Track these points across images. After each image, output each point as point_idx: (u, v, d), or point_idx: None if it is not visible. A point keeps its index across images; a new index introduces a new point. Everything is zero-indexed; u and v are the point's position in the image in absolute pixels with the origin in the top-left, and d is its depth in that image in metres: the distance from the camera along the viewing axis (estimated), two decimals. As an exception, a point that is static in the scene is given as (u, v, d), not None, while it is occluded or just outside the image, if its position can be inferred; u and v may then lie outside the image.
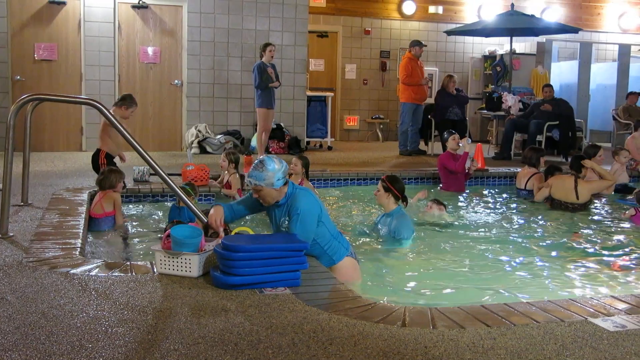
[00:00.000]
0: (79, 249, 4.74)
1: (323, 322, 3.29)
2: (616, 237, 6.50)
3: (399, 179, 6.12)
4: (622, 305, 3.61)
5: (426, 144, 12.84)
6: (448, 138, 9.03)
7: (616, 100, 15.36)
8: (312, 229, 4.33)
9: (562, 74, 16.06)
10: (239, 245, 3.83)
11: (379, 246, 5.92)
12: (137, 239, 6.17)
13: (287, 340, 3.06)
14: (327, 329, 3.19)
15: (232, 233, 4.47)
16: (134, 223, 6.77)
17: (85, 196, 6.95)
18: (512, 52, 14.00)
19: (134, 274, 4.11)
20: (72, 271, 4.10)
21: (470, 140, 9.23)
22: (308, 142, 13.10)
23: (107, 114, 5.27)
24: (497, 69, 15.44)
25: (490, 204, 8.39)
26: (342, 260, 4.58)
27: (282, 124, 12.34)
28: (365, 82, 15.64)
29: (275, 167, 4.28)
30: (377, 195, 6.05)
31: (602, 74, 16.10)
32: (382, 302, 3.80)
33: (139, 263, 4.46)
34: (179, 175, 8.18)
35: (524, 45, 16.18)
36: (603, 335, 3.15)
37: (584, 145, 12.92)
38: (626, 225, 6.95)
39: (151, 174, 8.02)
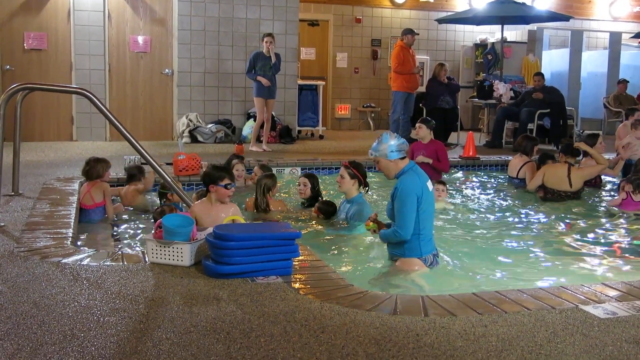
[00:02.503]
0: (70, 238, 4.73)
1: (315, 310, 3.30)
2: (607, 225, 6.52)
3: (362, 164, 6.13)
4: (612, 293, 3.63)
5: (418, 132, 12.83)
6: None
7: (607, 88, 15.39)
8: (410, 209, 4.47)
9: (553, 62, 16.07)
10: (230, 234, 3.83)
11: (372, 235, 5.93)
12: (128, 228, 6.16)
13: (279, 328, 3.06)
14: (318, 317, 3.20)
15: (225, 221, 4.47)
16: (124, 212, 6.74)
17: (76, 186, 6.92)
18: (504, 40, 14.00)
19: (125, 263, 4.10)
20: (63, 261, 4.09)
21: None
22: (299, 131, 13.07)
23: (98, 103, 5.24)
24: (489, 57, 15.43)
25: (481, 192, 8.41)
26: (409, 259, 4.61)
27: (273, 113, 12.30)
28: (356, 70, 15.61)
29: (390, 141, 4.61)
30: (341, 183, 5.98)
31: (593, 62, 16.12)
32: (373, 290, 3.80)
33: (131, 252, 4.46)
34: (171, 164, 8.15)
35: (515, 33, 16.18)
36: (594, 322, 3.17)
37: (575, 133, 12.97)
38: (617, 213, 6.96)
39: (142, 163, 7.98)
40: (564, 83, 14.95)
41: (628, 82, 14.27)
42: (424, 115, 12.37)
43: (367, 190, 6.14)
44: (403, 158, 4.63)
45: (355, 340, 2.94)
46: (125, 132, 5.13)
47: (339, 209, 6.14)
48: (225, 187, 4.82)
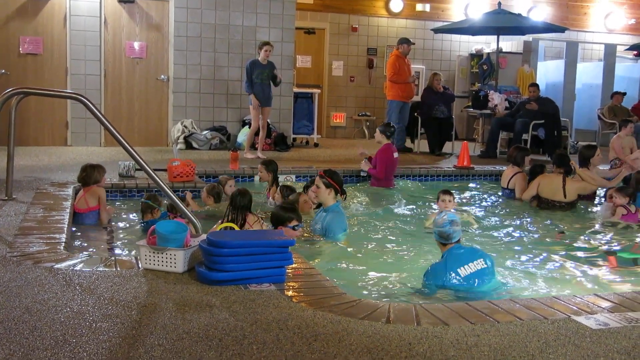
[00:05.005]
0: (63, 243, 4.72)
1: (308, 318, 3.30)
2: (600, 236, 6.54)
3: (337, 173, 6.13)
4: (605, 304, 3.64)
5: (412, 141, 12.86)
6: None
7: (601, 99, 15.45)
8: None
9: (548, 73, 16.14)
10: (224, 241, 3.83)
11: (367, 243, 5.93)
12: (122, 234, 6.15)
13: (272, 336, 3.06)
14: (311, 325, 3.20)
15: (218, 229, 4.47)
16: (119, 218, 6.73)
17: (70, 191, 6.91)
18: (499, 51, 14.05)
19: (118, 269, 4.09)
20: (56, 266, 4.08)
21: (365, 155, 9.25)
22: (294, 139, 13.08)
23: (92, 108, 5.24)
24: (484, 67, 15.47)
25: (474, 202, 8.42)
26: None
27: (268, 121, 12.30)
28: (352, 79, 15.64)
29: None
30: (317, 192, 5.96)
31: (588, 73, 16.19)
32: (366, 299, 3.80)
33: (124, 258, 4.45)
34: (165, 170, 8.14)
35: (510, 44, 16.24)
36: (586, 333, 3.17)
37: (569, 144, 13.02)
38: (610, 224, 6.97)
39: (137, 169, 7.98)
40: (558, 94, 15.01)
41: (625, 94, 14.31)
42: (419, 125, 12.44)
43: (345, 198, 6.14)
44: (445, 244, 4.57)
45: (347, 348, 2.94)
46: (120, 137, 5.12)
47: (315, 218, 6.09)
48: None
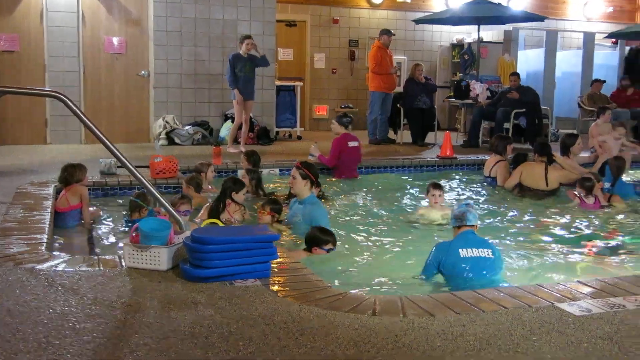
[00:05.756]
0: (44, 244, 4.67)
1: (294, 313, 3.29)
2: (581, 223, 6.57)
3: (313, 165, 6.14)
4: (587, 290, 3.66)
5: (395, 132, 12.87)
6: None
7: (581, 87, 15.55)
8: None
9: (528, 61, 16.20)
10: (208, 238, 3.80)
11: (349, 235, 5.93)
12: (105, 233, 6.10)
13: (258, 332, 3.05)
14: (297, 320, 3.19)
15: (202, 225, 4.45)
16: (101, 216, 6.68)
17: (50, 190, 6.84)
18: (480, 41, 14.09)
19: (101, 268, 4.06)
20: (37, 267, 4.04)
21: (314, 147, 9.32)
22: (277, 132, 13.05)
23: (72, 106, 5.18)
24: (465, 57, 15.52)
25: (457, 191, 8.45)
26: None
27: (251, 115, 12.26)
28: (334, 71, 15.62)
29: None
30: (293, 184, 5.95)
31: (568, 61, 16.27)
32: (352, 291, 3.79)
33: (107, 257, 4.41)
34: (147, 167, 8.09)
35: (491, 33, 16.27)
36: (569, 320, 3.19)
37: (550, 132, 13.09)
38: (591, 211, 7.02)
39: (118, 166, 7.92)
40: (539, 82, 15.08)
41: (604, 82, 14.41)
42: (402, 116, 12.46)
43: (320, 191, 6.13)
44: (459, 226, 4.64)
45: (334, 342, 2.94)
46: (100, 135, 5.06)
47: (290, 211, 6.09)
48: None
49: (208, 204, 6.39)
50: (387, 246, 5.67)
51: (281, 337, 2.99)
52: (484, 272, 4.46)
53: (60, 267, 4.04)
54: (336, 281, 4.44)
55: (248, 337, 2.98)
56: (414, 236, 6.06)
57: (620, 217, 6.87)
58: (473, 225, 4.62)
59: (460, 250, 4.47)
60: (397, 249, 5.60)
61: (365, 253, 5.39)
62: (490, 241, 4.81)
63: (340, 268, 4.90)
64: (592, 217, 6.77)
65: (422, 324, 3.13)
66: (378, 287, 4.49)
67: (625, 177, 8.22)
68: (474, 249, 4.49)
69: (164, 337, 2.98)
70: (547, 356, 2.79)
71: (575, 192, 7.22)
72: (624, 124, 10.02)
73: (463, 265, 4.43)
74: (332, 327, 3.11)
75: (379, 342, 2.94)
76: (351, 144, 8.96)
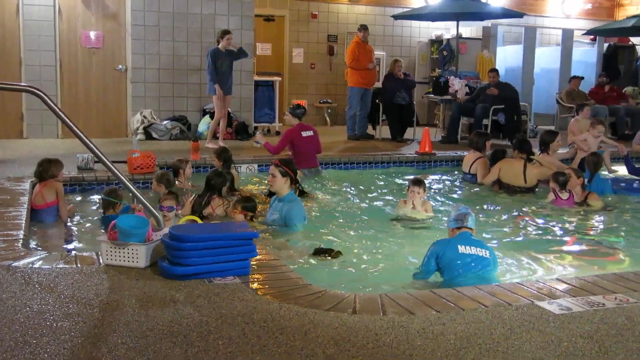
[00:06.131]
0: (21, 240, 4.61)
1: (273, 311, 3.27)
2: (560, 220, 6.61)
3: (292, 161, 6.13)
4: (567, 288, 3.68)
5: (374, 128, 12.88)
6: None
7: (559, 84, 15.65)
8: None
9: (507, 58, 16.28)
10: (187, 235, 3.77)
11: (329, 230, 5.92)
12: (82, 229, 6.04)
13: (238, 330, 3.03)
14: (277, 319, 3.17)
15: (180, 222, 4.40)
16: (79, 212, 6.61)
17: (27, 185, 6.75)
18: (459, 37, 14.13)
19: (79, 265, 4.01)
20: (14, 264, 3.98)
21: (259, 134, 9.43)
22: (256, 127, 12.97)
23: (48, 101, 5.10)
24: (444, 53, 15.55)
25: (436, 188, 8.46)
26: None
27: (229, 110, 12.20)
28: (312, 66, 15.59)
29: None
30: (272, 182, 5.92)
31: (546, 58, 16.37)
32: (332, 290, 3.77)
33: (85, 254, 4.35)
34: (125, 162, 8.01)
35: (470, 29, 16.33)
36: (549, 318, 3.20)
37: (529, 128, 13.17)
38: (573, 210, 7.04)
39: (96, 162, 7.84)
40: (517, 79, 15.16)
41: (583, 78, 14.52)
42: (381, 112, 12.46)
43: (298, 187, 6.10)
44: (459, 228, 4.65)
45: (314, 341, 2.92)
46: (77, 130, 4.98)
47: (270, 208, 6.06)
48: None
49: (192, 197, 6.37)
50: (367, 243, 5.66)
51: (261, 335, 2.97)
52: (480, 270, 4.47)
53: (37, 265, 3.99)
54: (316, 278, 4.42)
55: (227, 336, 2.96)
56: (394, 233, 6.05)
57: (597, 215, 6.92)
58: (471, 229, 4.67)
59: (459, 246, 4.50)
60: (378, 245, 5.59)
61: (345, 250, 5.36)
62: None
63: (320, 265, 4.88)
64: (571, 215, 6.81)
65: (403, 323, 3.13)
66: (358, 284, 4.49)
67: (604, 174, 8.29)
68: (472, 247, 4.53)
69: (142, 336, 2.95)
70: (527, 355, 2.79)
71: (550, 186, 7.27)
72: (603, 122, 10.08)
73: (459, 262, 4.45)
74: (312, 325, 3.09)
75: (359, 341, 2.93)
76: (305, 134, 8.91)
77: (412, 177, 7.09)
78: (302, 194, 6.87)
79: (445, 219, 6.56)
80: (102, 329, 3.03)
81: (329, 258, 4.98)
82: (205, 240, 3.79)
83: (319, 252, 5.06)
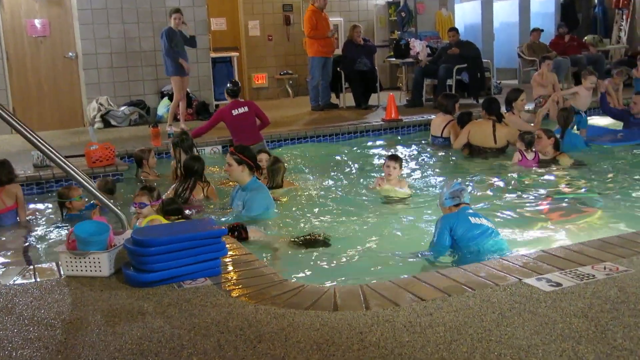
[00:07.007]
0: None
1: (249, 315, 3.06)
2: (535, 184, 6.46)
3: (248, 147, 5.88)
4: (553, 260, 3.52)
5: (337, 97, 12.63)
6: None
7: (519, 37, 15.52)
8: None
9: (465, 15, 16.09)
10: (150, 239, 3.53)
11: (301, 213, 5.72)
12: (42, 233, 5.75)
13: (213, 342, 2.81)
14: (254, 324, 2.97)
15: (143, 223, 4.16)
16: (38, 214, 6.31)
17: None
18: (416, -4, 13.90)
19: (38, 279, 3.75)
20: (-33, 284, 3.71)
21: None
22: (217, 105, 12.60)
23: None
24: (402, 14, 15.25)
25: (408, 157, 8.28)
26: None
27: (188, 90, 11.84)
28: (270, 38, 15.21)
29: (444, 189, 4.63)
30: (229, 171, 5.63)
31: (504, 12, 16.21)
32: (309, 284, 3.56)
33: (44, 265, 4.09)
34: (83, 156, 7.69)
35: (425, -13, 16.07)
36: (540, 298, 3.04)
37: (492, 84, 13.04)
38: (543, 170, 6.91)
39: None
40: (477, 35, 15.00)
41: (542, 30, 14.39)
42: (343, 80, 12.21)
43: (262, 173, 5.88)
44: (457, 205, 4.52)
45: (295, 347, 2.73)
46: (18, 126, 4.63)
47: (233, 198, 5.78)
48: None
49: (174, 185, 6.19)
50: (343, 224, 5.46)
51: (238, 346, 2.77)
52: (493, 241, 4.40)
53: (-8, 282, 3.73)
54: (295, 270, 4.24)
55: (202, 350, 2.75)
56: (372, 212, 5.83)
57: (568, 173, 6.80)
58: (468, 203, 4.56)
59: (470, 217, 4.41)
60: (356, 227, 5.38)
61: (317, 234, 5.16)
62: None
63: (297, 255, 4.68)
64: (542, 176, 6.69)
65: (387, 317, 2.94)
66: (336, 271, 4.30)
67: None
68: (480, 219, 4.46)
69: (110, 358, 2.73)
70: (522, 342, 2.63)
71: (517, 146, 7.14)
72: (594, 72, 9.89)
73: (474, 233, 4.36)
74: (292, 329, 2.89)
75: (343, 343, 2.74)
76: (237, 111, 8.62)
77: (387, 152, 6.87)
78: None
79: (424, 192, 6.43)
80: (66, 354, 2.79)
81: (320, 249, 4.77)
82: (171, 243, 3.54)
83: (307, 243, 4.84)
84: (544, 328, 2.75)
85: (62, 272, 3.80)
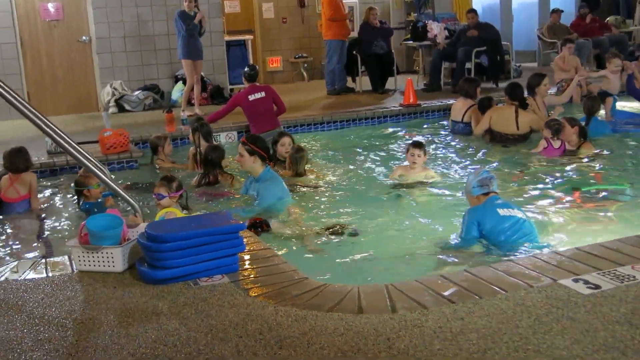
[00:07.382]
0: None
1: (269, 317, 2.90)
2: (562, 174, 6.21)
3: (261, 138, 5.71)
4: (589, 259, 3.32)
5: (353, 80, 12.42)
6: None
7: (539, 18, 15.21)
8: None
9: (483, -5, 15.80)
10: (166, 235, 3.37)
11: (321, 202, 5.55)
12: (55, 222, 5.62)
13: (231, 347, 2.66)
14: (274, 327, 2.81)
15: (158, 216, 4.00)
16: (51, 202, 6.19)
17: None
18: (433, -23, 13.61)
19: (50, 274, 3.62)
20: (-23, 279, 3.58)
21: None
22: (232, 89, 12.45)
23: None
24: (419, -5, 15.00)
25: (425, 142, 8.05)
26: None
27: (202, 74, 11.66)
28: (284, 20, 14.98)
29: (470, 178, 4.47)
30: (241, 161, 5.48)
31: (523, -8, 15.92)
32: (332, 283, 3.38)
33: (56, 259, 3.95)
34: (97, 142, 7.55)
35: (443, -32, 15.75)
36: (578, 302, 2.85)
37: (512, 68, 12.76)
38: (567, 159, 6.68)
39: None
40: (496, 16, 14.71)
41: (563, 11, 14.05)
42: (359, 63, 11.99)
43: (275, 165, 5.71)
44: (486, 194, 4.36)
45: (318, 354, 2.57)
46: (29, 114, 4.50)
47: (247, 188, 5.63)
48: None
49: (200, 172, 6.19)
50: (365, 215, 5.27)
51: (258, 352, 2.61)
52: (523, 233, 4.23)
53: (2, 277, 3.59)
54: (313, 263, 4.08)
55: (220, 356, 2.60)
56: (394, 202, 5.65)
57: (594, 162, 6.55)
58: (496, 192, 4.40)
59: (498, 210, 4.25)
60: (379, 218, 5.20)
61: (343, 225, 4.99)
62: None
63: (318, 245, 4.52)
64: (569, 166, 6.44)
65: (416, 321, 2.77)
66: (359, 265, 4.14)
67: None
68: (510, 209, 4.29)
69: (123, 363, 2.59)
70: (562, 353, 2.44)
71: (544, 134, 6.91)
72: (619, 55, 9.61)
73: (503, 226, 4.20)
74: (314, 333, 2.73)
75: (369, 350, 2.57)
76: (253, 97, 8.40)
77: (407, 139, 6.67)
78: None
79: (448, 181, 6.23)
80: (78, 357, 2.66)
81: (346, 239, 4.69)
82: (187, 238, 3.39)
83: (334, 234, 4.78)
84: (585, 336, 2.56)
85: (74, 267, 3.66)
